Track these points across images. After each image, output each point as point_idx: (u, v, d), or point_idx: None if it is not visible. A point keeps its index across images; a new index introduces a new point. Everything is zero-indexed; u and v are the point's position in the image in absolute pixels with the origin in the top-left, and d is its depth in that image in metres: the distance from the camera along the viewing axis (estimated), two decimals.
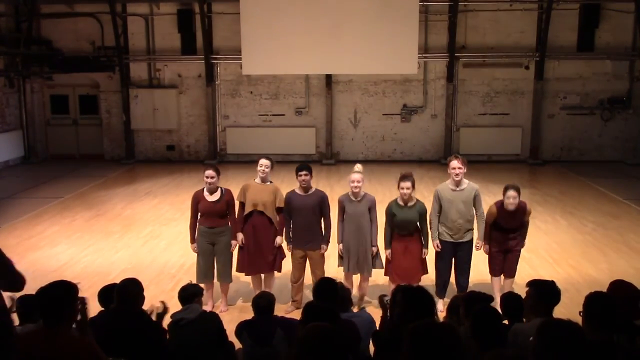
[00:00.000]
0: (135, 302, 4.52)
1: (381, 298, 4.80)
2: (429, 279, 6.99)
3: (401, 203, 6.74)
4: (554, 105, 16.93)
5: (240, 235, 6.95)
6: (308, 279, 7.13)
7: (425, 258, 6.89)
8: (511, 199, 6.66)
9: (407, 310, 3.83)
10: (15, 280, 3.51)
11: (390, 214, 6.77)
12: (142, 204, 12.37)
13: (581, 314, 3.68)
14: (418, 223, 6.78)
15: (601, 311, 3.59)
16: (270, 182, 7.07)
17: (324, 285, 4.75)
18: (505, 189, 6.76)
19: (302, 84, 17.09)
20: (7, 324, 3.38)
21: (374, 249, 6.91)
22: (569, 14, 16.36)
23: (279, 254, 7.10)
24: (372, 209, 6.86)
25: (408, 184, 6.65)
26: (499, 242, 6.89)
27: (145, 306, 4.69)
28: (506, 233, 6.86)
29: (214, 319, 4.80)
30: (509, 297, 4.63)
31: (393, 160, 16.83)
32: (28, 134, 17.17)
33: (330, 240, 7.03)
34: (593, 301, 3.68)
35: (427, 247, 6.90)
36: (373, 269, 7.00)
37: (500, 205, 6.80)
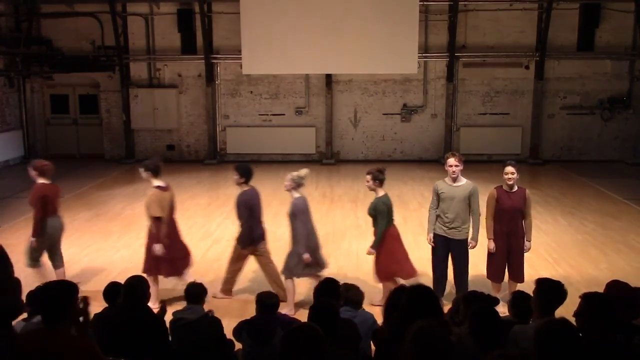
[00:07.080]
0: (142, 298, 4.54)
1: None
2: (427, 278, 6.98)
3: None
4: (554, 104, 16.93)
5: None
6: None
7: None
8: (509, 174, 6.68)
9: (411, 310, 3.79)
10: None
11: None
12: (142, 204, 12.29)
13: (574, 314, 3.69)
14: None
15: (596, 310, 3.59)
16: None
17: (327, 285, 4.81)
18: (504, 166, 6.80)
19: (302, 83, 17.09)
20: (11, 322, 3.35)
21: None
22: (569, 13, 16.36)
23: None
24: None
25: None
26: (499, 238, 6.71)
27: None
28: (506, 227, 6.69)
29: (213, 324, 4.75)
30: (518, 297, 4.60)
31: (393, 160, 16.81)
32: (28, 134, 17.20)
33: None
34: (588, 301, 3.68)
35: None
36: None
37: (499, 187, 6.82)
